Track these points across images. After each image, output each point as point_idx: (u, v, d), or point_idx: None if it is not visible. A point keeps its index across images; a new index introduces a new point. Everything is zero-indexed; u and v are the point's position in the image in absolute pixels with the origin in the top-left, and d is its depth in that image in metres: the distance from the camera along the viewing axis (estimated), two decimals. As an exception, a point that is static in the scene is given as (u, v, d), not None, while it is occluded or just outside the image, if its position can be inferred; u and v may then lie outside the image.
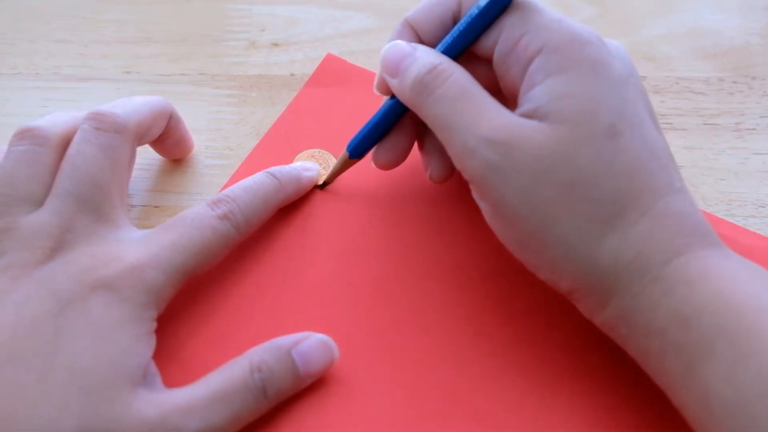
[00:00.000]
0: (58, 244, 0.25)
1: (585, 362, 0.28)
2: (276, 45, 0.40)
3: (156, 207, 0.33)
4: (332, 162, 0.33)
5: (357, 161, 0.31)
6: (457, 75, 0.26)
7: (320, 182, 0.33)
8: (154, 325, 0.26)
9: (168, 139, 0.33)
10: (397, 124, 0.30)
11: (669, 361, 0.23)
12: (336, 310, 0.29)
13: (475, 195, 0.27)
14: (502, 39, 0.26)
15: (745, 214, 0.33)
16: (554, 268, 0.25)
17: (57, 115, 0.29)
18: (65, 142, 0.28)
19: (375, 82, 0.30)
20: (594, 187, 0.24)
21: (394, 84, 0.28)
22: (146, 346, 0.25)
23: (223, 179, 0.34)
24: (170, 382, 0.26)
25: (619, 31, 0.41)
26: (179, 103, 0.37)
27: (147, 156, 0.35)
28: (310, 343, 0.27)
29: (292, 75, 0.38)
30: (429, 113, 0.26)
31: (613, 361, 0.28)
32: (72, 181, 0.26)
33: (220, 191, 0.33)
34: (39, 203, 0.26)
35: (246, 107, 0.37)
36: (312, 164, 0.33)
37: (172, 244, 0.26)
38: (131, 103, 0.30)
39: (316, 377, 0.27)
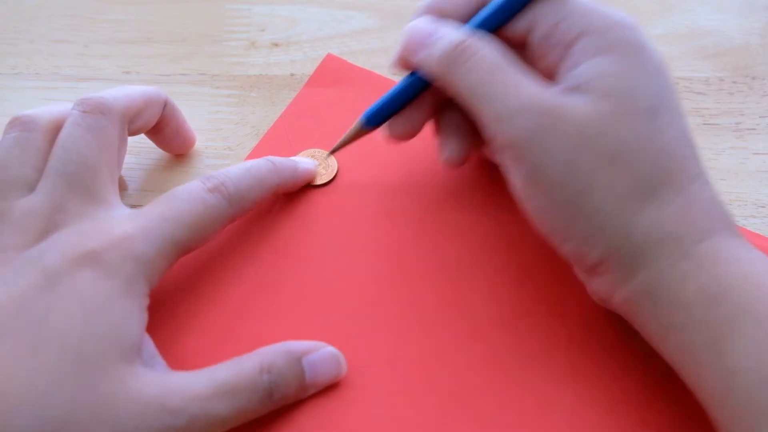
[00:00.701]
0: (50, 225, 0.26)
1: (586, 362, 0.28)
2: (276, 45, 0.40)
3: (156, 207, 0.33)
4: (332, 162, 0.33)
5: (369, 132, 0.31)
6: (489, 48, 0.26)
7: (318, 182, 0.33)
8: (147, 300, 0.26)
9: (165, 128, 0.33)
10: (416, 98, 0.30)
11: (693, 337, 0.23)
12: (336, 309, 0.29)
13: (508, 164, 0.26)
14: (539, 24, 0.27)
15: (745, 214, 0.33)
16: (586, 238, 0.25)
17: (48, 105, 0.29)
18: (56, 129, 0.28)
19: (395, 58, 0.29)
20: (634, 161, 0.24)
21: (418, 60, 0.28)
22: (137, 321, 0.25)
23: (223, 179, 0.34)
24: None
25: (619, 31, 0.41)
26: (179, 103, 0.37)
27: (147, 156, 0.35)
28: (321, 355, 0.27)
29: (292, 75, 0.38)
30: (460, 83, 0.26)
31: (614, 361, 0.28)
32: (61, 163, 0.27)
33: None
34: (32, 187, 0.27)
35: (246, 107, 0.37)
36: (311, 160, 0.33)
37: (161, 216, 0.26)
38: (121, 89, 0.30)
39: (318, 389, 0.27)
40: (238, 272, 0.30)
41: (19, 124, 0.28)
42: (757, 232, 0.32)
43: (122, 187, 0.34)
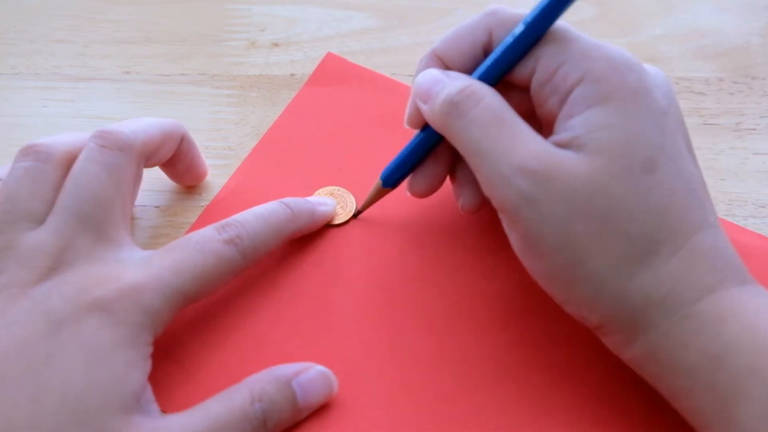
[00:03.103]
0: (57, 263, 0.25)
1: (585, 362, 0.28)
2: (276, 45, 0.40)
3: (156, 207, 0.33)
4: (350, 200, 0.32)
5: (391, 190, 0.31)
6: (490, 98, 0.25)
7: (336, 221, 0.32)
8: (150, 349, 0.25)
9: (179, 163, 0.32)
10: (432, 152, 0.29)
11: (701, 401, 0.23)
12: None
13: (504, 224, 0.26)
14: (539, 68, 0.26)
15: (745, 214, 0.33)
16: (583, 303, 0.25)
17: (64, 134, 0.28)
18: (70, 160, 0.27)
19: (406, 117, 0.29)
20: (628, 223, 0.23)
21: (425, 110, 0.27)
22: (140, 371, 0.24)
23: (223, 179, 0.34)
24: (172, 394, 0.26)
25: (619, 31, 0.41)
26: (179, 103, 0.37)
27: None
28: (311, 375, 0.26)
29: (292, 75, 0.38)
30: (459, 137, 0.26)
31: (613, 361, 0.28)
32: (73, 199, 0.26)
33: (220, 191, 0.34)
34: (40, 220, 0.26)
35: (246, 107, 0.37)
36: (329, 200, 0.32)
37: (173, 266, 0.26)
38: (140, 122, 0.29)
39: (312, 410, 0.27)
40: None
41: (32, 153, 0.27)
42: (758, 231, 0.32)
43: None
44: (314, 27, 0.41)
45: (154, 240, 0.32)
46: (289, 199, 0.30)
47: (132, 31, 0.40)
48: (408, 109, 0.29)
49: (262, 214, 0.29)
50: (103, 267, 0.25)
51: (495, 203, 0.25)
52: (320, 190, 0.33)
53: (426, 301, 0.30)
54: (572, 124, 0.24)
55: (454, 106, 0.26)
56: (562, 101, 0.25)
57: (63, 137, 0.28)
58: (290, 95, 0.37)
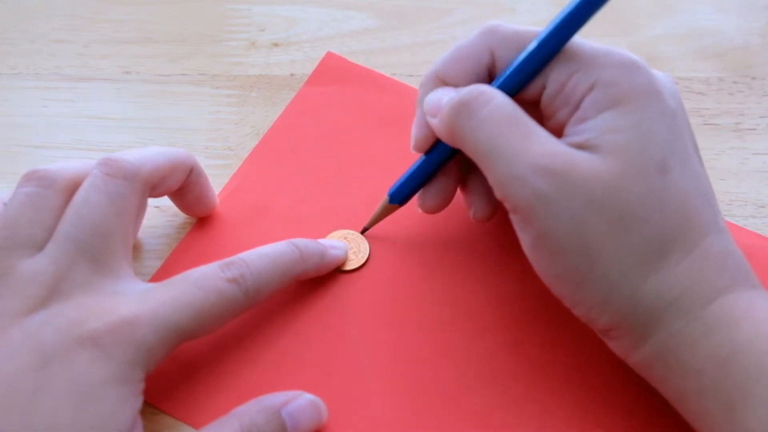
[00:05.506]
0: (52, 293, 0.24)
1: (587, 365, 0.28)
2: (276, 45, 0.40)
3: (156, 207, 0.33)
4: (364, 246, 0.31)
5: (398, 207, 0.30)
6: (500, 98, 0.25)
7: (348, 267, 0.31)
8: (142, 385, 0.24)
9: (188, 194, 0.31)
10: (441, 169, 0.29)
11: (707, 403, 0.23)
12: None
13: (516, 225, 0.26)
14: (550, 82, 0.26)
15: (745, 214, 0.33)
16: (594, 305, 0.24)
17: (68, 160, 0.28)
18: (73, 187, 0.27)
19: (413, 141, 0.28)
20: (643, 223, 0.23)
21: (435, 123, 0.27)
22: (129, 409, 0.24)
23: (223, 179, 0.34)
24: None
25: (619, 31, 0.41)
26: (179, 103, 0.37)
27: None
28: (300, 403, 0.26)
29: (292, 75, 0.38)
30: (470, 139, 0.25)
31: (616, 364, 0.28)
32: (73, 228, 0.25)
33: (221, 192, 0.34)
34: (40, 247, 0.25)
35: (246, 107, 0.37)
36: (341, 243, 0.31)
37: (171, 301, 0.25)
38: (147, 151, 0.28)
39: None
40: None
41: (35, 178, 0.26)
42: (757, 232, 0.32)
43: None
44: (314, 27, 0.41)
45: (154, 240, 0.32)
46: (299, 240, 0.29)
47: (132, 31, 0.40)
48: (414, 133, 0.28)
49: (269, 254, 0.28)
50: (99, 299, 0.25)
51: (508, 204, 0.25)
52: (334, 233, 0.32)
53: (430, 311, 0.30)
54: (585, 128, 0.24)
55: (464, 105, 0.25)
56: (574, 110, 0.25)
57: (67, 164, 0.28)
58: (290, 95, 0.37)
